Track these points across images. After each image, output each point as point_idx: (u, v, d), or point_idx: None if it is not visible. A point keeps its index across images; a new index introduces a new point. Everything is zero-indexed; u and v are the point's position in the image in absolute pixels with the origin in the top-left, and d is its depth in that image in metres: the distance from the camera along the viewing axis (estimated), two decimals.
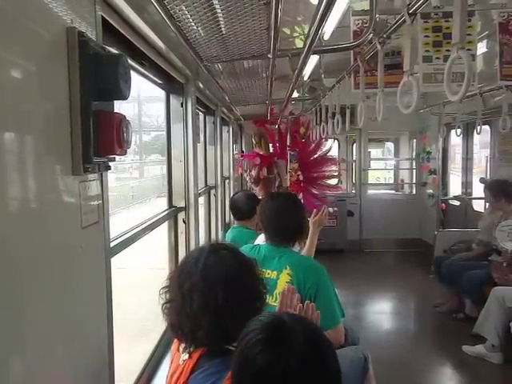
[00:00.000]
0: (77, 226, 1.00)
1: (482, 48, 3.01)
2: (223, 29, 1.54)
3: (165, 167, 2.56)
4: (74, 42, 0.95)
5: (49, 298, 0.88)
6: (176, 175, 2.48)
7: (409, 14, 1.45)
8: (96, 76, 1.00)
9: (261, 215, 2.07)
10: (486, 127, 4.93)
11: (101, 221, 1.12)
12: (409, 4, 1.44)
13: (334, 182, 6.39)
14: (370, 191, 7.13)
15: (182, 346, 1.21)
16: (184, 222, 2.50)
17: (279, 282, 1.85)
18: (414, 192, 6.93)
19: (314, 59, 2.89)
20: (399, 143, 7.45)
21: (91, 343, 1.11)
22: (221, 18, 1.43)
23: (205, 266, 1.17)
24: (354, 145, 7.14)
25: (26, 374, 0.83)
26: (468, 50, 1.25)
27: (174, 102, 2.49)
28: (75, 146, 0.96)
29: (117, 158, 1.14)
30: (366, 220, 6.76)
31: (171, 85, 2.40)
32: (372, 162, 7.45)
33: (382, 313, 4.64)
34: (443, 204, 5.82)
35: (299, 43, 2.78)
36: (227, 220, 4.91)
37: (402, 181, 7.29)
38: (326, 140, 5.58)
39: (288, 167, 5.49)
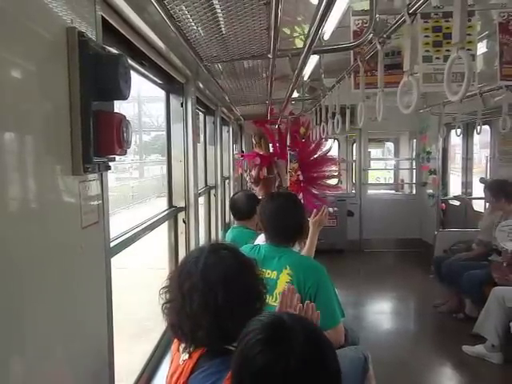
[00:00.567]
0: (77, 226, 1.00)
1: (482, 48, 3.01)
2: (223, 29, 1.54)
3: (165, 167, 2.56)
4: (74, 42, 0.95)
5: (49, 297, 0.88)
6: (176, 175, 2.48)
7: (409, 14, 1.45)
8: (96, 76, 1.00)
9: (261, 215, 2.07)
10: (486, 127, 4.93)
11: (101, 221, 1.12)
12: (409, 4, 1.44)
13: (333, 182, 6.38)
14: (370, 191, 7.13)
15: (182, 345, 1.21)
16: (184, 222, 2.50)
17: (279, 282, 1.85)
18: (414, 192, 6.93)
19: (313, 59, 2.89)
20: (399, 143, 7.45)
21: (91, 343, 1.11)
22: (221, 18, 1.43)
23: (205, 265, 1.17)
24: (354, 145, 7.13)
25: (26, 373, 0.83)
26: (468, 50, 1.25)
27: (174, 101, 2.49)
28: (75, 146, 0.96)
29: (117, 158, 1.14)
30: (366, 220, 6.75)
31: (171, 85, 2.40)
32: (372, 161, 7.44)
33: (381, 313, 4.64)
34: (443, 204, 5.82)
35: (299, 43, 2.78)
36: (227, 220, 4.91)
37: (402, 181, 7.28)
38: (326, 140, 5.57)
39: (288, 167, 5.47)
